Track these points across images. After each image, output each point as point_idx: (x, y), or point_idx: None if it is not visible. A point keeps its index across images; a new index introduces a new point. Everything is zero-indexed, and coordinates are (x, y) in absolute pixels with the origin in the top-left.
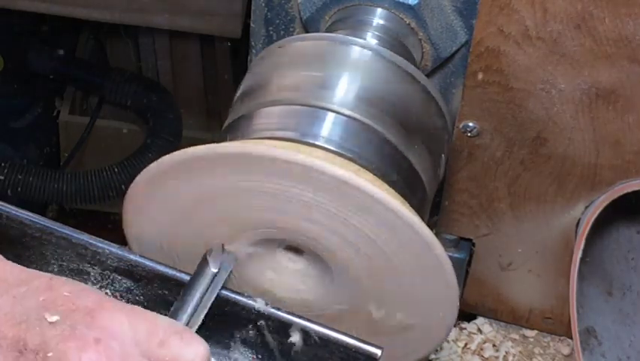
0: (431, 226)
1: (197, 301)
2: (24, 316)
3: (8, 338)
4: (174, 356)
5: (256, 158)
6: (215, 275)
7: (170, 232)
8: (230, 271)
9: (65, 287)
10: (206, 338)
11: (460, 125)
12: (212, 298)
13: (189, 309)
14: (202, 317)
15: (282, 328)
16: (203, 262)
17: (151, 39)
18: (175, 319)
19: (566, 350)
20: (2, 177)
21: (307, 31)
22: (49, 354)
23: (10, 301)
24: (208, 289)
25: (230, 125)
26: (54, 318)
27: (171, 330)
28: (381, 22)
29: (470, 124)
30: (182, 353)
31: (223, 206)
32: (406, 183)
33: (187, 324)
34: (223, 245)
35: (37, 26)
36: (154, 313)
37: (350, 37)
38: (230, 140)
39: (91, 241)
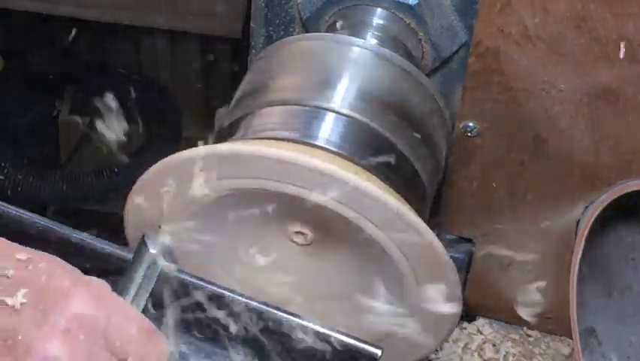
0: (431, 226)
1: (139, 284)
2: None
3: None
4: (139, 356)
5: (256, 158)
6: (154, 257)
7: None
8: (171, 252)
9: (43, 264)
10: (207, 338)
11: (460, 125)
12: (154, 280)
13: (132, 292)
14: (144, 299)
15: (282, 328)
16: (142, 245)
17: (151, 39)
18: None
19: (566, 350)
20: (2, 177)
21: (307, 31)
22: (19, 339)
23: None
24: (149, 270)
25: (230, 125)
26: (26, 299)
27: (142, 328)
28: (381, 22)
29: (470, 124)
30: (147, 354)
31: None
32: (405, 182)
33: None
34: (160, 226)
35: (37, 26)
36: (127, 305)
37: (350, 38)
38: (231, 140)
39: (91, 241)
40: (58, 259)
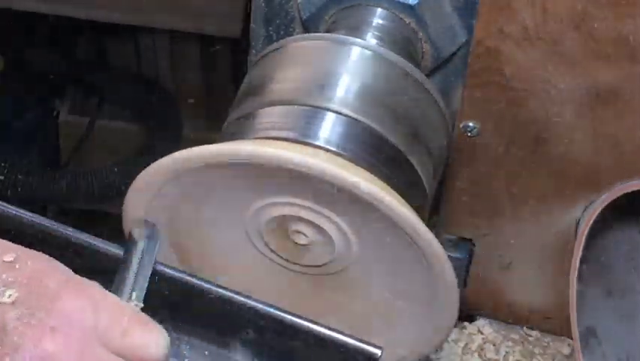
0: (431, 226)
1: (134, 278)
2: None
3: None
4: (136, 346)
5: (256, 158)
6: (144, 249)
7: (170, 232)
8: (158, 242)
9: (31, 263)
10: (206, 338)
11: (460, 125)
12: (149, 271)
13: (128, 286)
14: (144, 292)
15: (283, 328)
16: (130, 239)
17: (151, 39)
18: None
19: (566, 350)
20: (2, 177)
21: (307, 31)
22: (7, 338)
23: None
24: (141, 263)
25: (230, 125)
26: (14, 298)
27: (134, 320)
28: (381, 22)
29: (470, 124)
30: (144, 344)
31: (223, 205)
32: (405, 182)
33: (129, 299)
34: (145, 219)
35: (37, 26)
36: (117, 300)
37: (350, 38)
38: (231, 140)
39: (91, 241)
40: (48, 257)
